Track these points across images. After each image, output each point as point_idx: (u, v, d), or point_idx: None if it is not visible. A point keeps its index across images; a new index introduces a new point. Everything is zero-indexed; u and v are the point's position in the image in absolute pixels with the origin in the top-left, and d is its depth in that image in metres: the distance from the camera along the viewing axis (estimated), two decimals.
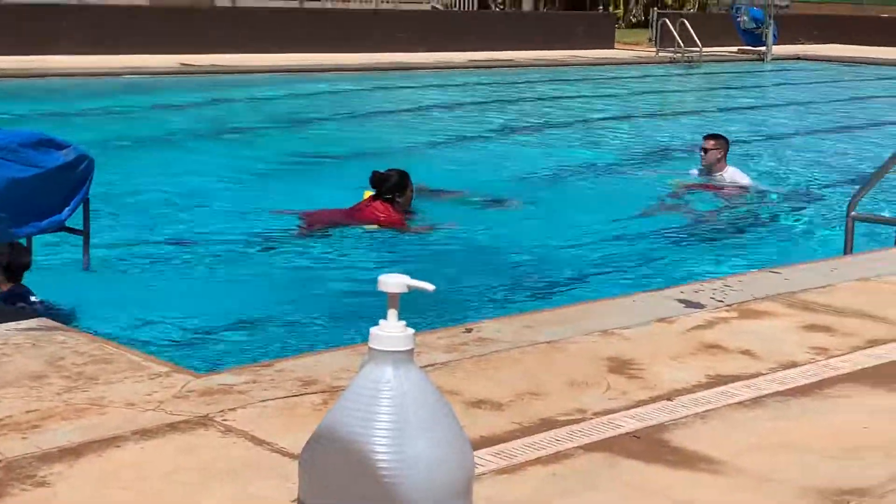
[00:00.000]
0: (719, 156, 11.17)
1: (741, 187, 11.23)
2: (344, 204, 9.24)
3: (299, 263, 7.99)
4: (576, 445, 3.68)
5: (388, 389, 2.17)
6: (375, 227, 8.62)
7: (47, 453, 3.48)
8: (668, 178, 11.79)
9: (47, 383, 4.10)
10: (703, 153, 11.24)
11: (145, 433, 3.65)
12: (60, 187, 6.39)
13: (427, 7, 29.71)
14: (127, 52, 21.38)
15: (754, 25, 30.06)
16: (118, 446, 3.55)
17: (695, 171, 11.47)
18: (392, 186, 8.71)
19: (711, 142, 11.24)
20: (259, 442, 3.61)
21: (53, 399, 3.94)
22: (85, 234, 6.80)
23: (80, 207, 6.65)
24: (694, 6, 42.86)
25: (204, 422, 3.76)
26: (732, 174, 11.29)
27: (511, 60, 25.59)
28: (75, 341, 4.61)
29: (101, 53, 21.03)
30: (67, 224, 6.67)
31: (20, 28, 20.91)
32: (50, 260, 7.31)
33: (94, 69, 19.71)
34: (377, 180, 8.72)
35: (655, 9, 33.92)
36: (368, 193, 9.22)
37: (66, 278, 7.04)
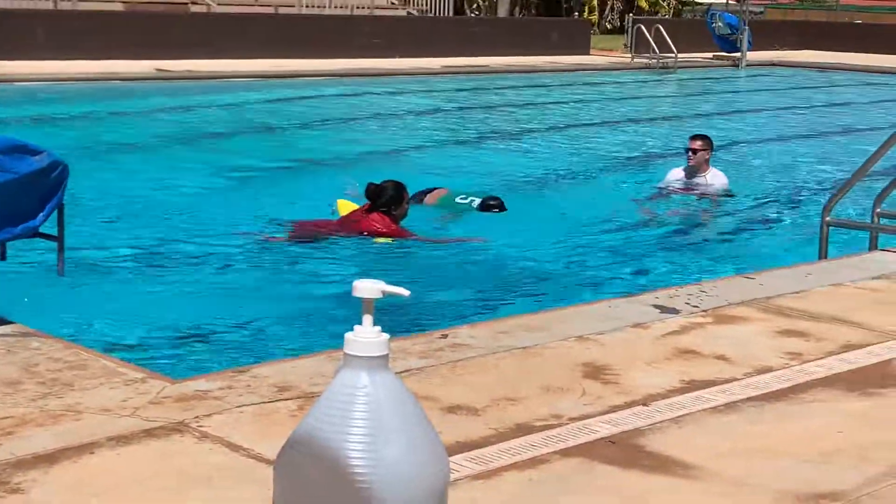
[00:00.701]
0: (707, 156, 11.24)
1: (721, 189, 11.27)
2: (323, 211, 9.21)
3: (276, 270, 7.98)
4: (552, 451, 3.69)
5: (363, 395, 2.17)
6: (388, 239, 8.50)
7: (22, 460, 3.46)
8: (646, 183, 11.85)
9: (22, 389, 4.08)
10: (691, 154, 11.22)
11: (121, 439, 3.64)
12: (34, 193, 6.35)
13: (402, 13, 29.70)
14: (102, 57, 21.29)
15: (729, 31, 30.17)
16: (93, 453, 3.54)
17: (677, 172, 11.47)
18: (389, 199, 8.60)
19: (699, 142, 11.25)
20: (235, 448, 3.60)
21: (28, 405, 3.92)
22: (59, 239, 6.75)
23: (55, 213, 6.62)
24: (669, 12, 43.03)
25: (179, 428, 3.75)
26: (714, 176, 11.33)
27: (486, 66, 25.61)
28: (50, 347, 4.59)
29: (75, 59, 20.95)
30: (41, 230, 6.64)
31: None
32: (24, 266, 7.27)
33: (68, 75, 19.62)
34: (373, 192, 8.62)
35: (630, 15, 34.05)
36: (343, 203, 9.11)
37: (40, 284, 7.00)
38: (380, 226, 8.55)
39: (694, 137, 11.43)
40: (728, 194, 11.27)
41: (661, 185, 11.49)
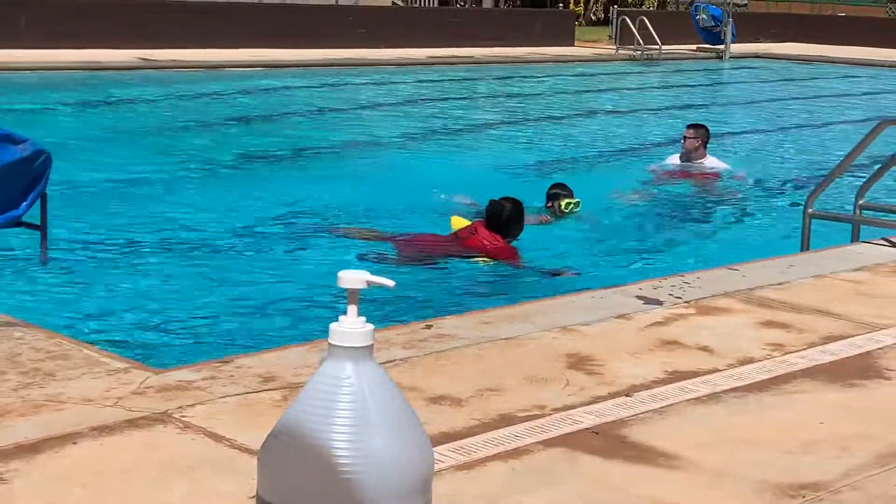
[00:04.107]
0: (697, 144, 11.74)
1: (716, 175, 11.65)
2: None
3: (262, 260, 7.97)
4: (535, 441, 3.70)
5: (348, 385, 2.17)
6: (486, 260, 7.91)
7: (4, 450, 3.45)
8: (629, 174, 11.96)
9: (4, 379, 4.07)
10: (683, 141, 11.84)
11: (103, 430, 3.63)
12: (17, 182, 6.34)
13: (387, 3, 29.65)
14: (86, 46, 21.20)
15: (713, 24, 30.19)
16: (76, 443, 3.53)
17: (674, 159, 11.96)
18: (507, 217, 8.03)
19: (690, 131, 11.85)
20: (218, 438, 3.60)
21: (10, 395, 3.91)
22: (42, 229, 6.75)
23: (38, 203, 6.61)
24: (653, 4, 43.06)
25: (162, 418, 3.75)
26: (712, 162, 11.88)
27: (471, 57, 25.59)
28: (32, 337, 4.58)
29: (59, 48, 20.84)
30: (24, 219, 6.63)
31: None
32: (7, 255, 7.25)
33: (51, 63, 19.52)
34: (496, 210, 8.02)
35: (615, 7, 34.04)
36: (456, 219, 8.56)
37: (22, 274, 6.99)
38: (489, 244, 7.97)
39: (688, 126, 12.07)
40: (719, 178, 11.63)
41: (657, 168, 11.95)
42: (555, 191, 9.36)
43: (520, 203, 8.24)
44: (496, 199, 8.16)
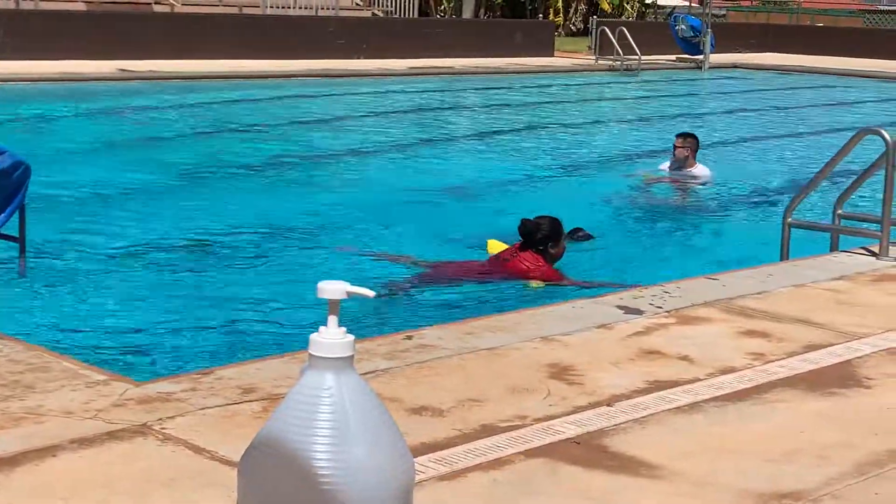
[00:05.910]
0: (687, 153, 12.04)
1: (701, 182, 12.00)
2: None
3: (242, 272, 7.95)
4: (516, 451, 3.70)
5: (328, 396, 2.17)
6: (540, 283, 7.54)
7: None
8: (607, 184, 12.03)
9: None
10: (674, 150, 12.12)
11: (83, 442, 3.62)
12: None
13: (367, 14, 29.65)
14: (65, 57, 21.13)
15: (692, 34, 30.28)
16: (56, 455, 3.51)
17: (665, 166, 12.30)
18: (545, 236, 7.63)
19: (680, 140, 12.15)
20: (198, 450, 3.59)
21: None
22: (21, 240, 6.72)
23: (16, 214, 6.58)
24: (632, 15, 43.20)
25: (142, 430, 3.74)
26: (699, 170, 12.17)
27: (451, 68, 25.61)
28: (11, 349, 4.55)
29: (37, 59, 20.78)
30: (2, 231, 6.60)
31: None
32: None
33: (30, 75, 19.47)
34: (529, 229, 7.64)
35: (594, 17, 34.13)
36: (493, 243, 8.26)
37: (1, 286, 6.95)
38: (530, 265, 7.61)
39: (678, 135, 12.33)
40: (706, 185, 11.92)
41: (646, 174, 12.25)
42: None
43: (557, 221, 7.82)
44: (529, 218, 7.77)
